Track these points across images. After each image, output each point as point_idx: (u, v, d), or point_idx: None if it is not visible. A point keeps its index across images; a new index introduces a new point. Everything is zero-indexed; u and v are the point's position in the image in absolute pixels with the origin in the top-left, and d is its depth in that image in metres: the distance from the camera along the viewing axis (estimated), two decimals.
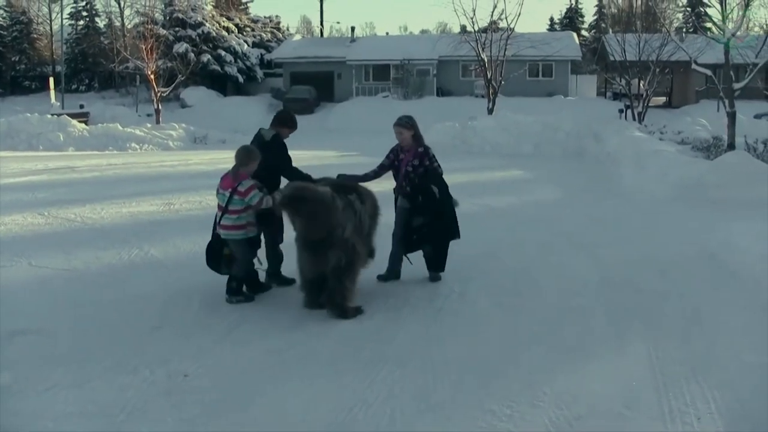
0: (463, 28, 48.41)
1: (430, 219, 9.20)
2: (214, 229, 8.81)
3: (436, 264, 9.60)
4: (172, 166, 23.56)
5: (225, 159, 17.19)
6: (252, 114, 50.17)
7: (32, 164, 23.74)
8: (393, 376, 6.66)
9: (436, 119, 33.91)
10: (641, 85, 39.30)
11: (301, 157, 22.07)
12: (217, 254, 8.76)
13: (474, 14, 39.84)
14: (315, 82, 58.18)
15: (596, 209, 15.28)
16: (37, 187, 17.90)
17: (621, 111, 42.86)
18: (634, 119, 37.70)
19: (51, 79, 55.97)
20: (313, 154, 23.32)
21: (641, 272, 10.21)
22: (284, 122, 9.44)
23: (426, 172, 9.30)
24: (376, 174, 9.54)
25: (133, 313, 8.43)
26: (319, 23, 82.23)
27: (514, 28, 41.34)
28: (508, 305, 8.76)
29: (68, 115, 37.91)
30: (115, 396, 6.25)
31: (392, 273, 9.65)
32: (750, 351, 7.32)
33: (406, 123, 9.41)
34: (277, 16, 75.97)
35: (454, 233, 9.55)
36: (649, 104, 39.34)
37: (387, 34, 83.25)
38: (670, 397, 6.22)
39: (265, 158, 8.80)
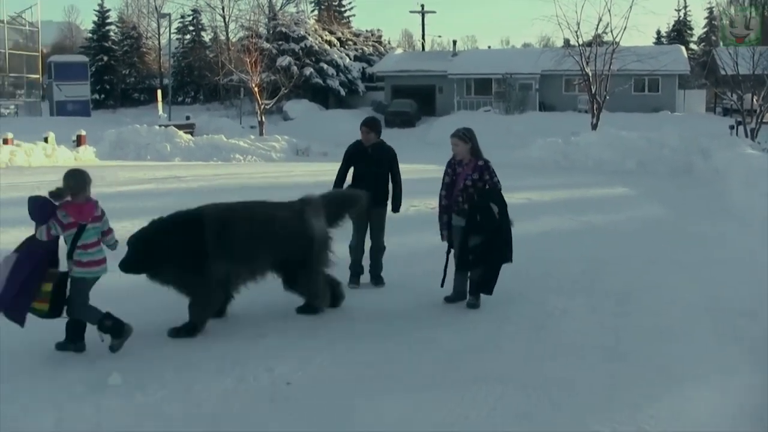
0: (567, 42, 47.87)
1: (487, 238, 8.76)
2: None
3: (484, 287, 9.01)
4: (276, 178, 23.87)
5: (327, 171, 17.29)
6: (353, 127, 49.60)
7: (141, 173, 24.34)
8: (494, 393, 6.57)
9: (538, 134, 33.63)
10: (754, 100, 38.18)
11: (408, 170, 22.20)
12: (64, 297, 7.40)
13: (578, 28, 39.01)
14: (416, 96, 58.23)
15: (702, 228, 14.90)
16: (146, 196, 18.31)
17: (732, 127, 41.70)
18: (746, 136, 36.67)
19: (159, 92, 57.37)
20: (413, 168, 23.29)
21: (750, 295, 9.87)
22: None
23: (485, 187, 8.99)
24: (449, 203, 9.19)
25: (239, 319, 8.58)
26: (421, 37, 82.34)
27: (619, 42, 40.81)
28: (610, 325, 8.58)
29: (175, 126, 38.73)
30: (220, 401, 6.32)
31: (459, 294, 9.29)
32: None
33: (463, 135, 9.11)
34: (378, 30, 76.40)
35: (507, 257, 9.02)
36: (763, 120, 38.12)
37: (489, 47, 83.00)
38: None
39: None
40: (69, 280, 7.34)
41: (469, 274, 9.15)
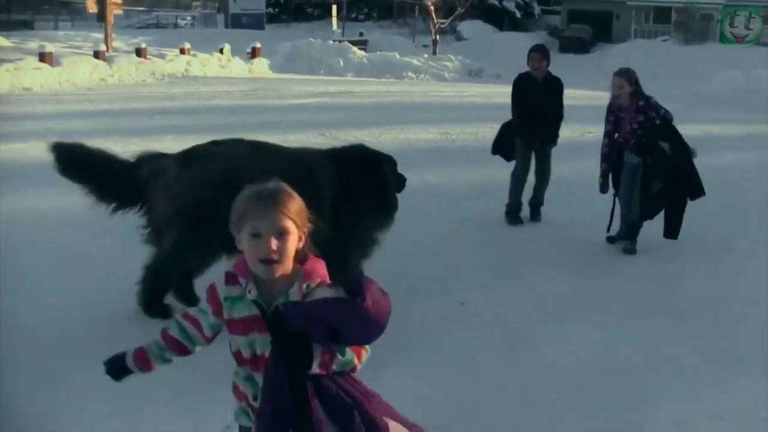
0: None
1: (665, 182, 8.20)
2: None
3: (670, 233, 8.38)
4: (448, 97, 23.74)
5: (500, 93, 17.08)
6: (527, 50, 49.72)
7: (313, 87, 24.63)
8: (677, 326, 6.43)
9: (718, 67, 32.35)
10: None
11: (577, 96, 21.70)
12: None
13: None
14: (592, 22, 56.71)
15: None
16: (319, 109, 18.56)
17: None
18: None
19: (333, 7, 57.68)
20: (588, 94, 22.83)
21: None
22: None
23: (653, 127, 8.30)
24: (610, 151, 8.65)
25: (410, 238, 8.48)
26: None
27: None
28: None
29: (348, 42, 38.94)
30: (393, 317, 6.31)
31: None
32: None
33: (630, 76, 8.42)
34: None
35: (695, 192, 8.35)
36: None
37: None
38: None
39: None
40: None
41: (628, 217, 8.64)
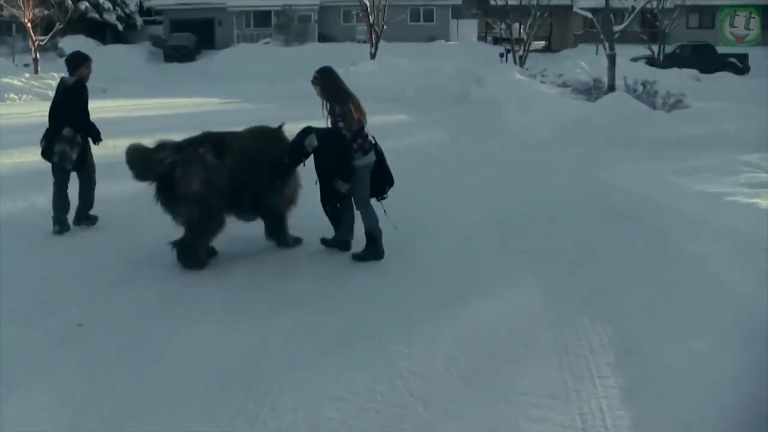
0: None
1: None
2: None
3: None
4: None
5: (108, 108, 16.84)
6: (131, 62, 49.31)
7: None
8: (291, 316, 6.75)
9: (318, 65, 33.60)
10: (521, 29, 39.71)
11: (184, 104, 21.67)
12: None
13: None
14: (195, 29, 57.06)
15: (482, 151, 15.53)
16: None
17: (501, 55, 43.35)
18: (515, 63, 38.17)
19: None
20: (195, 101, 22.97)
21: (530, 211, 10.52)
22: (79, 61, 9.97)
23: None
24: None
25: (27, 261, 8.35)
26: None
27: None
28: (403, 247, 8.77)
29: None
30: (9, 342, 6.10)
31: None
32: (636, 284, 7.63)
33: (314, 79, 8.55)
34: None
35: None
36: (530, 48, 39.84)
37: None
38: (565, 332, 6.42)
39: (75, 103, 9.79)
40: None
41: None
